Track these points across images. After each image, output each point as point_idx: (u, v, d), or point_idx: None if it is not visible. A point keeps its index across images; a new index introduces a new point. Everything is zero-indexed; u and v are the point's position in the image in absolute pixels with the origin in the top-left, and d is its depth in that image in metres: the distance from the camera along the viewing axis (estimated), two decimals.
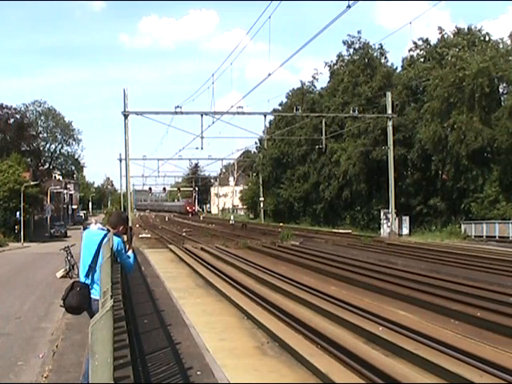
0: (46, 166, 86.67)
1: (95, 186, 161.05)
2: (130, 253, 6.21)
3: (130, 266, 6.30)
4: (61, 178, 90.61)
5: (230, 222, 61.64)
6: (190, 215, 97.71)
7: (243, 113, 35.52)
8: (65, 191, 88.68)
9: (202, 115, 35.82)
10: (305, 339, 9.29)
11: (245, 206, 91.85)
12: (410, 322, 10.25)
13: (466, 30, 43.56)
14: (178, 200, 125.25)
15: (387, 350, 8.50)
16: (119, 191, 77.12)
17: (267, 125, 56.41)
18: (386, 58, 50.98)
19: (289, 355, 8.51)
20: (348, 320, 10.52)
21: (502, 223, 34.90)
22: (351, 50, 51.21)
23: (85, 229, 6.37)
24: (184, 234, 45.69)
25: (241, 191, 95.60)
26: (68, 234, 56.74)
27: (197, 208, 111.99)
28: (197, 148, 39.92)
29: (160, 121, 39.08)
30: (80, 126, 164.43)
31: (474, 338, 9.11)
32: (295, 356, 8.35)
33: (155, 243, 37.45)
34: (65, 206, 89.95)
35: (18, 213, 46.92)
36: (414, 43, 46.20)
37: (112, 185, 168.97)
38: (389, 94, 39.45)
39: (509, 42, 40.09)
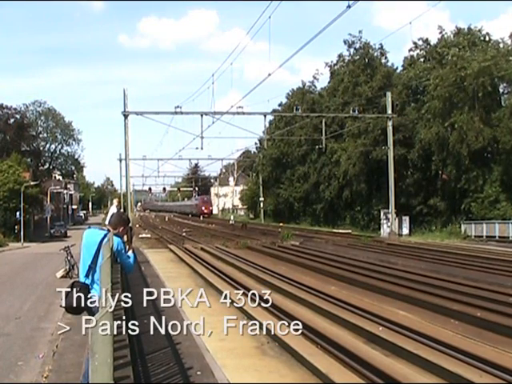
0: (46, 166, 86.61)
1: (95, 186, 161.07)
2: (130, 253, 6.21)
3: (130, 266, 6.29)
4: (61, 178, 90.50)
5: (230, 222, 61.59)
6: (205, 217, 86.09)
7: (243, 113, 35.60)
8: (65, 191, 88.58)
9: (201, 115, 35.89)
10: (305, 339, 9.29)
11: (245, 206, 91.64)
12: (409, 322, 10.24)
13: (466, 30, 43.57)
14: (189, 198, 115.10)
15: (387, 350, 8.50)
16: (119, 191, 77.04)
17: (267, 125, 56.41)
18: (386, 57, 50.93)
19: (289, 355, 8.51)
20: (348, 320, 10.52)
21: (502, 223, 34.91)
22: (351, 50, 51.18)
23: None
24: (184, 234, 45.70)
25: (241, 191, 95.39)
26: (68, 234, 56.62)
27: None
28: (197, 148, 40.06)
29: (160, 121, 39.22)
30: (80, 126, 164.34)
31: (474, 338, 9.11)
32: (295, 356, 8.35)
33: (155, 243, 37.41)
34: (65, 206, 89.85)
35: (17, 213, 46.84)
36: (414, 43, 46.19)
37: (112, 185, 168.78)
38: (389, 94, 39.45)
39: (509, 41, 40.12)
